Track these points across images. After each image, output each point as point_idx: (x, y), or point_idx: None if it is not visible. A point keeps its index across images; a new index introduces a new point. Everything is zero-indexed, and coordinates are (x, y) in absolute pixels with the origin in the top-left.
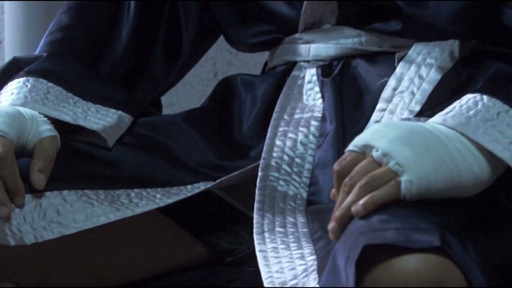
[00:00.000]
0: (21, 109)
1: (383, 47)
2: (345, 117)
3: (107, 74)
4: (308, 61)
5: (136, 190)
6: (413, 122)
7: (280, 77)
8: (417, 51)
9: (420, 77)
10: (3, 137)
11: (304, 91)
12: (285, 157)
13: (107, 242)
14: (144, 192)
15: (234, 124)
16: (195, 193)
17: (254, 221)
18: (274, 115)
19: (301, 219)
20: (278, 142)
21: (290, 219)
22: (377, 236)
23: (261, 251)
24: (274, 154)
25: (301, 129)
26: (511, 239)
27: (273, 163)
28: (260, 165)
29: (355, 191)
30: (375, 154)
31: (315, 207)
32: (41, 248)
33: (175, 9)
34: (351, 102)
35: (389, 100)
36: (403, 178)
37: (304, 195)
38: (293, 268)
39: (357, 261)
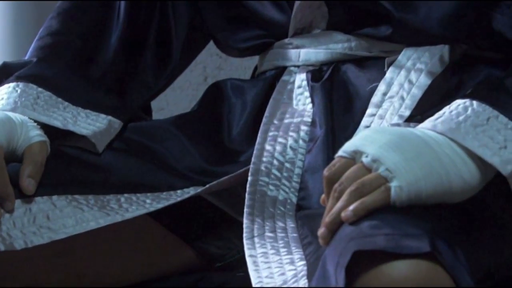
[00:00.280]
0: (11, 114)
1: (373, 52)
2: (335, 122)
3: (97, 79)
4: (298, 66)
5: (126, 195)
6: (403, 128)
7: (270, 82)
8: (407, 56)
9: (410, 82)
10: None
11: (294, 96)
12: (275, 162)
13: (97, 247)
14: (134, 197)
15: (224, 129)
16: (185, 198)
17: (244, 226)
18: (264, 119)
19: (291, 224)
20: (268, 147)
21: (280, 224)
22: (367, 242)
23: (251, 256)
24: (264, 159)
25: (291, 134)
26: (501, 244)
27: (263, 168)
28: (250, 170)
29: (345, 197)
30: (365, 160)
31: (305, 212)
32: (31, 254)
33: (165, 14)
34: (340, 107)
35: (379, 105)
36: (393, 184)
37: (294, 200)
38: (283, 274)
39: (347, 267)
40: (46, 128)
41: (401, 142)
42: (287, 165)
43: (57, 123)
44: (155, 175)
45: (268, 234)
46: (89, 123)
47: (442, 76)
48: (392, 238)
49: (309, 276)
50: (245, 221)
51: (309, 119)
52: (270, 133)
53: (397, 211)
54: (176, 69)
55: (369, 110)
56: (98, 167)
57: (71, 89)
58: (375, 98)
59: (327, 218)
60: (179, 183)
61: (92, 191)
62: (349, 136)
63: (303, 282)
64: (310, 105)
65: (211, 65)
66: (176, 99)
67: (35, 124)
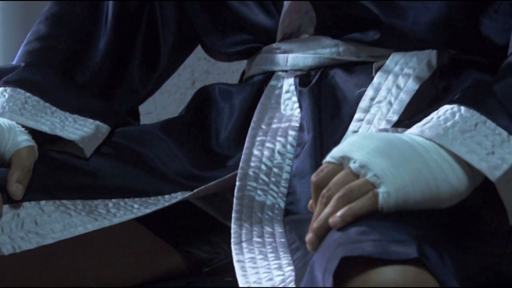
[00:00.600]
0: None
1: (361, 57)
2: (323, 127)
3: (85, 84)
4: (286, 71)
5: (113, 200)
6: (391, 133)
7: (258, 86)
8: (394, 61)
9: (398, 87)
10: None
11: (282, 100)
12: (263, 166)
13: (85, 252)
14: (122, 202)
15: (212, 134)
16: (173, 203)
17: (232, 231)
18: (251, 124)
19: (278, 229)
20: (255, 152)
21: (268, 229)
22: (354, 248)
23: (238, 261)
24: (252, 164)
25: (278, 138)
26: (488, 250)
27: (250, 173)
28: (238, 175)
29: (332, 202)
30: (352, 165)
31: (293, 217)
32: (19, 259)
33: (153, 18)
34: (328, 112)
35: (366, 110)
36: (381, 190)
37: (282, 205)
38: (270, 279)
39: (334, 273)
40: (34, 133)
41: (389, 148)
42: (275, 170)
43: (45, 128)
44: (143, 180)
45: (256, 239)
46: (77, 128)
47: (430, 81)
48: (380, 244)
49: (297, 281)
50: (233, 226)
51: (297, 124)
52: (258, 138)
53: (385, 217)
54: (164, 74)
55: (357, 115)
56: (86, 172)
57: (59, 94)
58: (363, 103)
59: (314, 224)
60: (167, 187)
61: (80, 196)
62: (337, 141)
63: (291, 287)
64: (298, 110)
65: (199, 69)
66: (164, 103)
67: (23, 129)
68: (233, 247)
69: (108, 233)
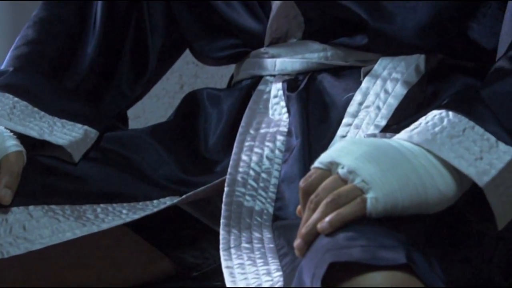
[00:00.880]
0: None
1: (349, 62)
2: (311, 131)
3: (73, 89)
4: (274, 75)
5: (102, 205)
6: (379, 139)
7: (246, 91)
8: (382, 65)
9: (386, 91)
10: None
11: (270, 105)
12: (251, 172)
13: (74, 257)
14: (110, 207)
15: (200, 139)
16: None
17: (221, 237)
18: (240, 129)
19: (267, 235)
20: (244, 157)
21: (257, 234)
22: (342, 254)
23: (227, 267)
24: (240, 169)
25: (267, 143)
26: (476, 255)
27: (239, 178)
28: (226, 180)
29: (321, 208)
30: (340, 171)
31: (281, 223)
32: (7, 264)
33: (141, 23)
34: (316, 116)
35: (355, 115)
36: (369, 195)
37: (270, 210)
38: (259, 285)
39: (323, 278)
40: (23, 138)
41: (377, 154)
42: (264, 175)
43: (33, 133)
44: (131, 185)
45: (244, 245)
46: (65, 133)
47: (418, 85)
48: (368, 250)
49: (286, 287)
50: (221, 232)
51: (285, 129)
52: (246, 143)
53: (373, 222)
54: (152, 78)
55: (345, 120)
56: (74, 177)
57: (47, 99)
58: (351, 108)
59: (303, 230)
60: (155, 192)
61: (69, 201)
62: (325, 146)
63: None
64: (286, 115)
65: (188, 73)
66: (152, 107)
67: (11, 134)
68: (221, 253)
69: (96, 238)
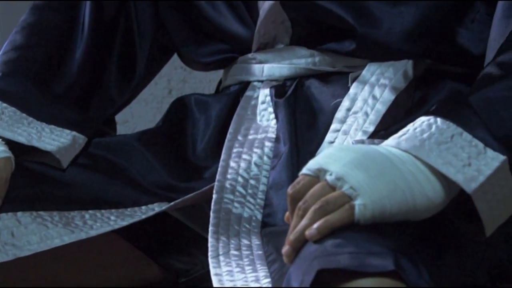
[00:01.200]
0: None
1: (336, 67)
2: (299, 138)
3: (62, 94)
4: (261, 81)
5: (90, 211)
6: (367, 145)
7: (234, 97)
8: (370, 71)
9: (374, 97)
10: None
11: (258, 111)
12: (240, 178)
13: (62, 263)
14: (99, 213)
15: (189, 145)
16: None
17: (209, 244)
18: (228, 136)
19: (256, 241)
20: (232, 164)
21: (245, 241)
22: (330, 261)
23: (216, 274)
24: (229, 176)
25: (255, 150)
26: (464, 261)
27: (227, 185)
28: (215, 187)
29: (309, 215)
30: (329, 178)
31: (270, 229)
32: None
33: (129, 28)
34: (304, 122)
35: (343, 121)
36: (357, 202)
37: (259, 217)
38: None
39: (311, 285)
40: (11, 143)
41: (365, 160)
42: (252, 181)
43: (22, 139)
44: (119, 191)
45: (233, 252)
46: (54, 139)
47: (406, 91)
48: (356, 257)
49: None
50: (210, 239)
51: (273, 135)
52: (235, 150)
53: (361, 229)
54: (140, 83)
55: (333, 126)
56: (62, 183)
57: (35, 105)
58: (339, 114)
59: (291, 236)
60: (144, 198)
61: (57, 207)
62: (313, 152)
63: None
64: (274, 121)
65: (176, 78)
66: (140, 112)
67: (0, 140)
68: (210, 260)
69: (85, 244)
